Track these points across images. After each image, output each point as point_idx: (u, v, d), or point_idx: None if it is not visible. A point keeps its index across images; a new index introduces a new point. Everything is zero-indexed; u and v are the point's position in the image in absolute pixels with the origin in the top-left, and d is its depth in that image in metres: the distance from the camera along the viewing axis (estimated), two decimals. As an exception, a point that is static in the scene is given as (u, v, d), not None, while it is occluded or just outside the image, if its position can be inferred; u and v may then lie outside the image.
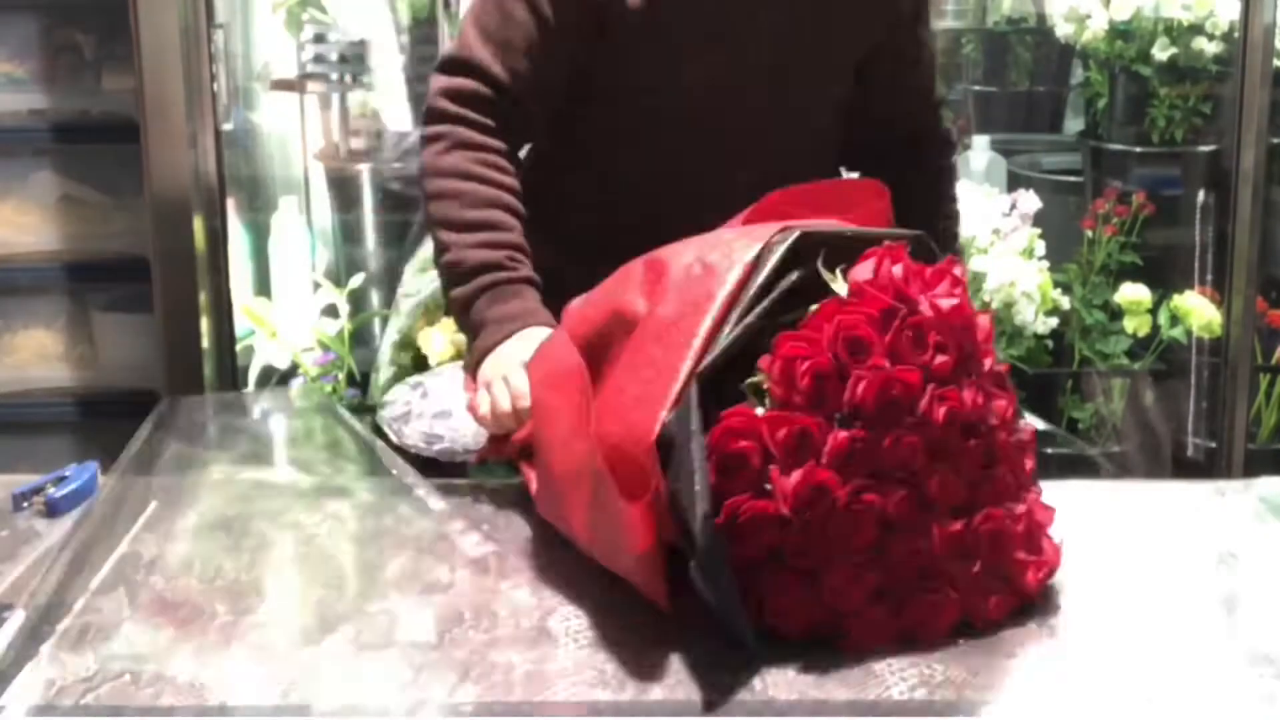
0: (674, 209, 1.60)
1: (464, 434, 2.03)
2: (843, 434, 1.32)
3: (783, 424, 1.32)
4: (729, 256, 1.40)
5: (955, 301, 1.39)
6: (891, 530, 1.34)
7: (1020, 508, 1.42)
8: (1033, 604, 1.43)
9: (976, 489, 1.39)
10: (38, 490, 1.70)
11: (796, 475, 1.31)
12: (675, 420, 1.33)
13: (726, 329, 1.37)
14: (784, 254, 1.39)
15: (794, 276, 1.39)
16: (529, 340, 1.63)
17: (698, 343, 1.36)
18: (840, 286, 1.37)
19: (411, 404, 2.26)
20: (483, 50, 1.77)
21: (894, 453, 1.33)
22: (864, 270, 1.37)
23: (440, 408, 2.19)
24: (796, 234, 1.40)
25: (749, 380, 1.36)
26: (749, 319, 1.37)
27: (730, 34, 1.78)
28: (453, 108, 1.77)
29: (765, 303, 1.38)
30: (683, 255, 1.44)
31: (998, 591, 1.38)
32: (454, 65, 1.79)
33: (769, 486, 1.31)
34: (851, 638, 1.34)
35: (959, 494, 1.37)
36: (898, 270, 1.37)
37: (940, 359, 1.36)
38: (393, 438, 2.16)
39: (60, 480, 1.72)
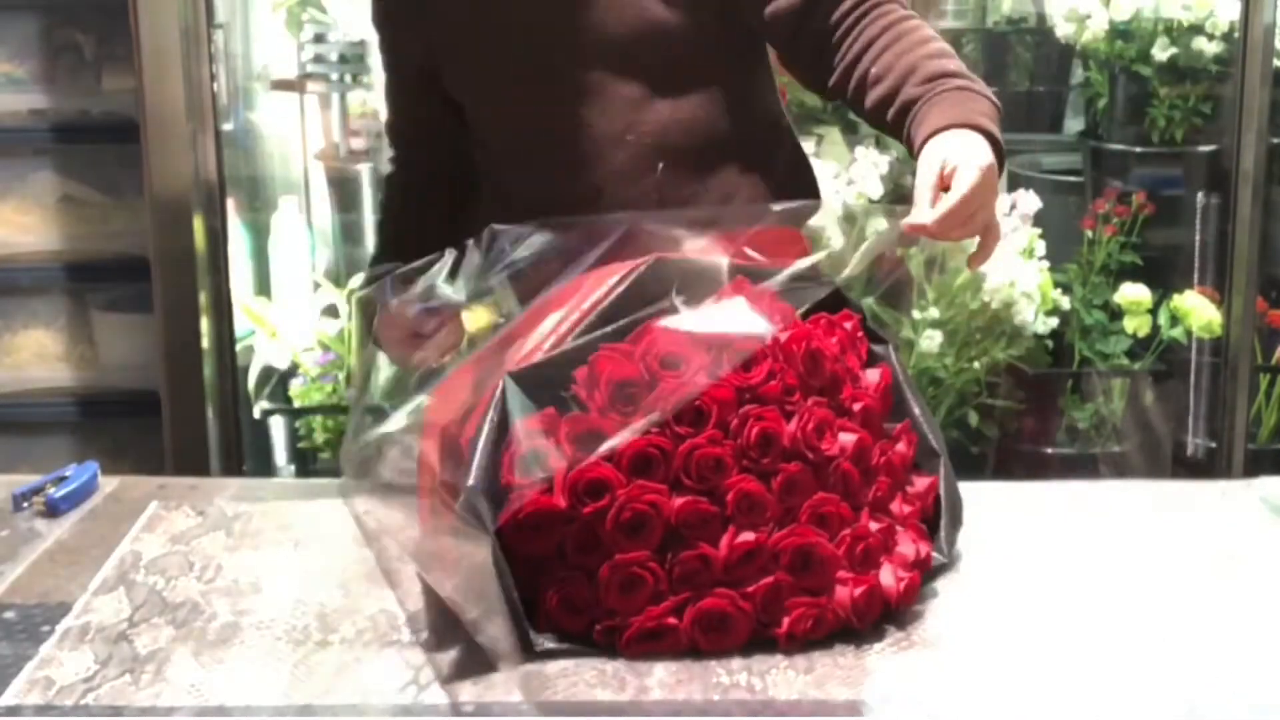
0: (569, 197, 1.75)
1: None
2: (641, 440, 1.34)
3: (580, 424, 1.35)
4: (602, 280, 1.45)
5: (789, 333, 1.43)
6: (678, 536, 1.34)
7: (851, 530, 1.40)
8: (1033, 604, 1.43)
9: (791, 508, 1.38)
10: (38, 490, 1.70)
11: (576, 470, 1.33)
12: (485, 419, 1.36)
13: (568, 340, 1.41)
14: (640, 278, 1.44)
15: (664, 304, 1.42)
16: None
17: (529, 347, 1.41)
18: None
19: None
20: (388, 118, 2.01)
21: (691, 461, 1.35)
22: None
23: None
24: (653, 258, 1.45)
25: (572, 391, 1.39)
26: (591, 335, 1.41)
27: (488, 39, 1.81)
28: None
29: (622, 322, 1.41)
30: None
31: (804, 606, 1.35)
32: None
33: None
34: (631, 640, 1.34)
35: (767, 509, 1.36)
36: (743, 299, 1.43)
37: (770, 383, 1.40)
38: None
39: (60, 480, 1.72)
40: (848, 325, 1.54)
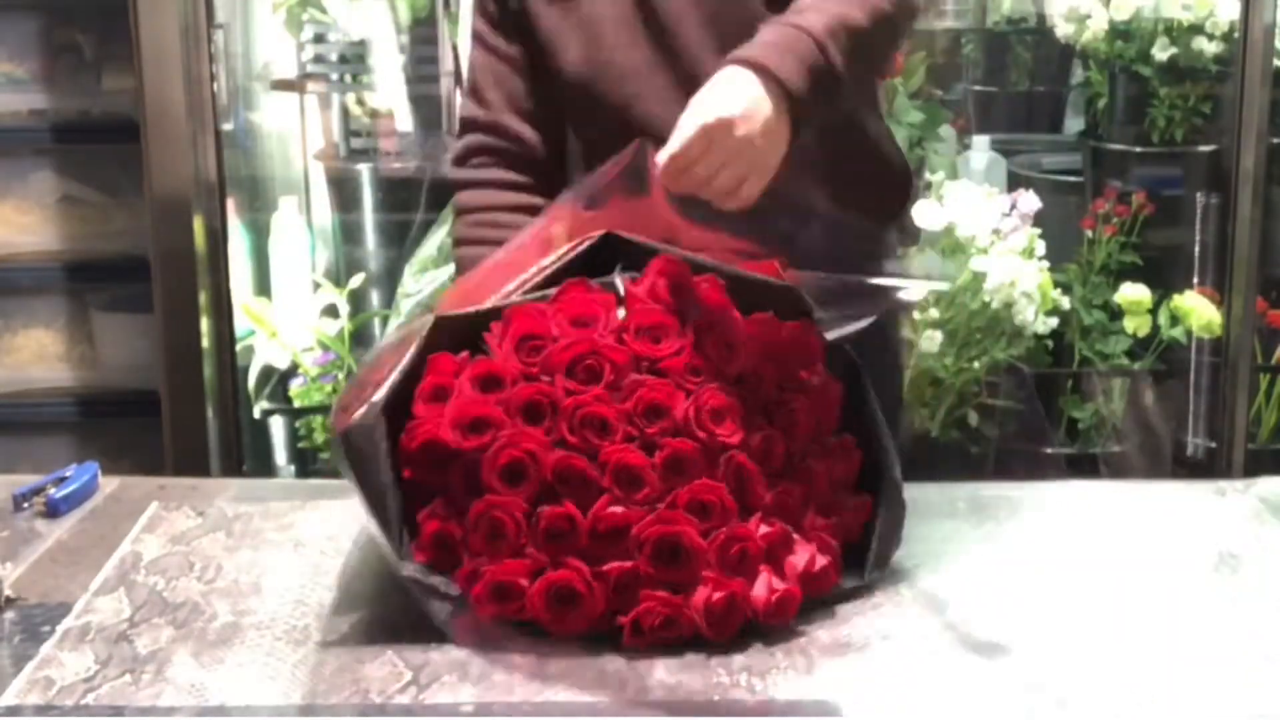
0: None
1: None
2: (532, 385, 1.35)
3: (481, 367, 1.37)
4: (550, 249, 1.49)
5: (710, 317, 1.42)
6: (552, 491, 1.32)
7: (729, 528, 1.34)
8: (1033, 604, 1.43)
9: (673, 488, 1.33)
10: (38, 490, 1.70)
11: (466, 405, 1.35)
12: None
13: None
14: (588, 249, 1.47)
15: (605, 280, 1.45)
16: None
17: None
18: None
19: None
20: (465, 104, 1.91)
21: (575, 416, 1.34)
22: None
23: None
24: (601, 234, 1.47)
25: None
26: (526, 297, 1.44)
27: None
28: (454, 172, 1.91)
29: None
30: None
31: (656, 601, 1.31)
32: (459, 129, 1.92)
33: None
34: (482, 595, 1.33)
35: (645, 485, 1.32)
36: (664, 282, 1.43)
37: (674, 359, 1.38)
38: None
39: (60, 480, 1.72)
40: (808, 332, 1.49)
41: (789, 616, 1.36)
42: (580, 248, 1.47)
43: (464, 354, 1.40)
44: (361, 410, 1.35)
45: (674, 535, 1.31)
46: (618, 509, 1.32)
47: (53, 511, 1.68)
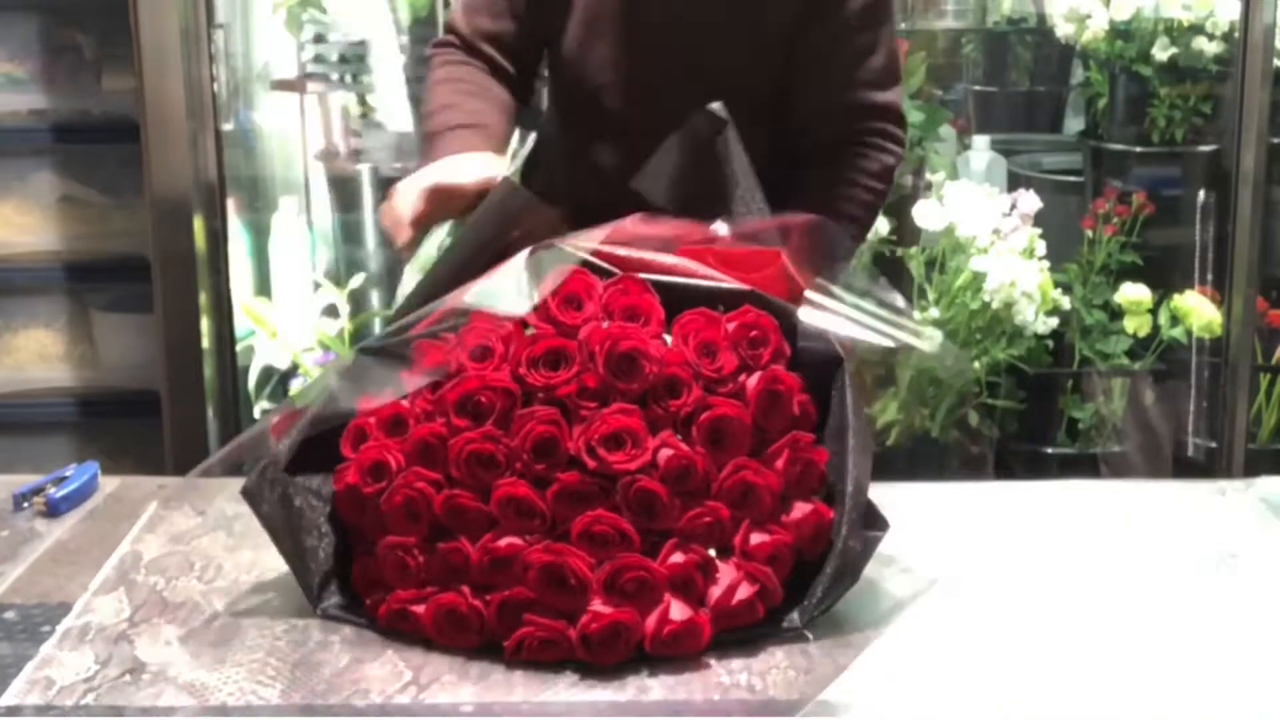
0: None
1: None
2: (425, 425, 1.37)
3: (388, 410, 1.40)
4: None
5: (594, 331, 1.37)
6: (444, 529, 1.35)
7: (617, 560, 1.31)
8: (1033, 604, 1.43)
9: (564, 520, 1.32)
10: (38, 490, 1.70)
11: (363, 452, 1.39)
12: None
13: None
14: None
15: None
16: (438, 161, 1.77)
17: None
18: None
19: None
20: (456, 15, 2.02)
21: (461, 455, 1.34)
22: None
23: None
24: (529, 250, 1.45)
25: None
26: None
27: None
28: (432, 51, 2.00)
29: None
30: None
31: (537, 625, 1.31)
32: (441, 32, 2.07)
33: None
34: (384, 617, 1.37)
35: (535, 517, 1.32)
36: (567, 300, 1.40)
37: (568, 386, 1.35)
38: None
39: (60, 480, 1.72)
40: (758, 326, 1.42)
41: (693, 647, 1.32)
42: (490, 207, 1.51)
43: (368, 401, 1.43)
44: (255, 472, 1.42)
45: (559, 565, 1.31)
46: (506, 541, 1.33)
47: (53, 511, 1.68)
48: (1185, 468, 3.33)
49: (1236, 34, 3.13)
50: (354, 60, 3.33)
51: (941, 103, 3.61)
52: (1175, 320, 3.21)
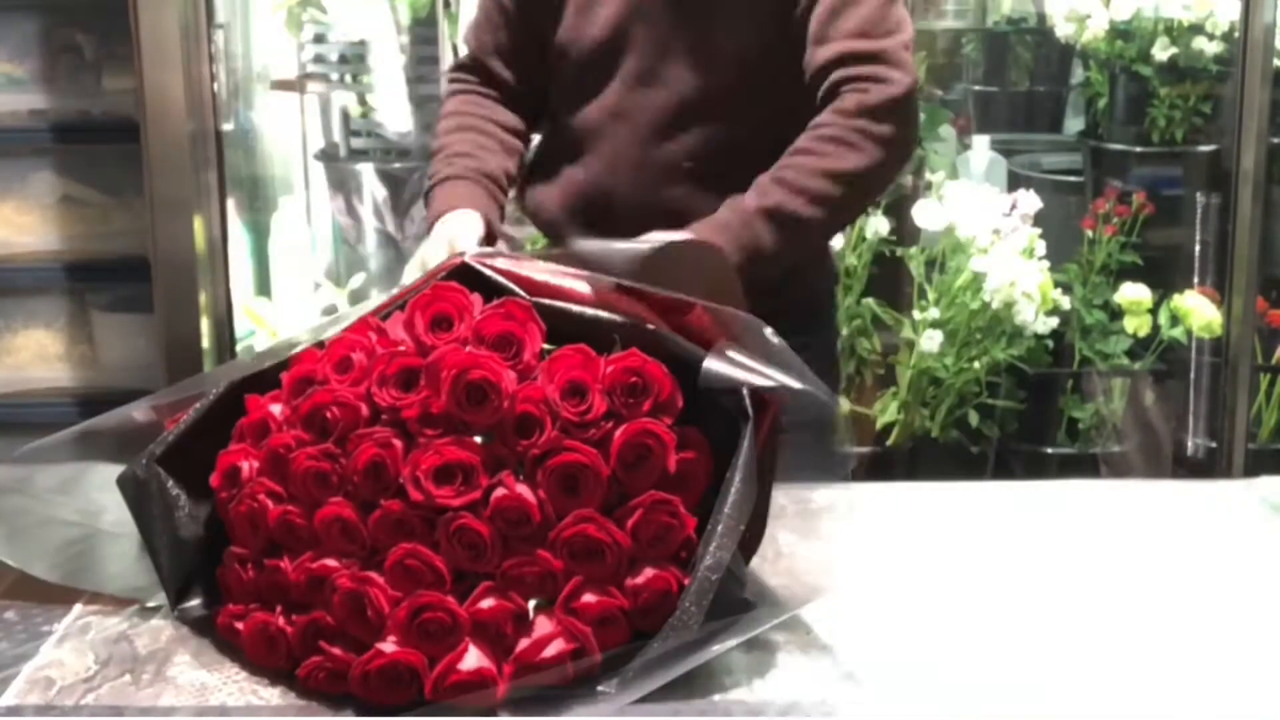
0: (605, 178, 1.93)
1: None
2: (279, 435, 1.34)
3: (255, 414, 1.38)
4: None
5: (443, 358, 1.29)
6: (274, 544, 1.33)
7: (433, 597, 1.24)
8: (1033, 604, 1.43)
9: (381, 548, 1.27)
10: None
11: (222, 454, 1.38)
12: None
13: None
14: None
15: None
16: (442, 226, 1.85)
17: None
18: None
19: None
20: (466, 35, 2.10)
21: (297, 471, 1.31)
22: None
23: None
24: (459, 260, 1.41)
25: None
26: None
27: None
28: (450, 77, 2.10)
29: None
30: None
31: (326, 655, 1.27)
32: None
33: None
34: (220, 627, 1.36)
35: (356, 540, 1.28)
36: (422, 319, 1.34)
37: (411, 411, 1.28)
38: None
39: None
40: (640, 373, 1.29)
41: (482, 700, 1.22)
42: (436, 276, 1.40)
43: (273, 393, 1.40)
44: (135, 460, 1.43)
45: (360, 594, 1.26)
46: (323, 562, 1.29)
47: None
48: (1185, 468, 3.33)
49: (1236, 34, 3.13)
50: (354, 60, 3.34)
51: (941, 103, 3.62)
52: (1175, 320, 3.21)
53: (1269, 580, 1.50)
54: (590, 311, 1.34)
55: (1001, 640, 1.37)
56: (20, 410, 3.35)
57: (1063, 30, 3.47)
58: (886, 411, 3.23)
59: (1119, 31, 3.37)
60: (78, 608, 1.44)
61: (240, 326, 3.08)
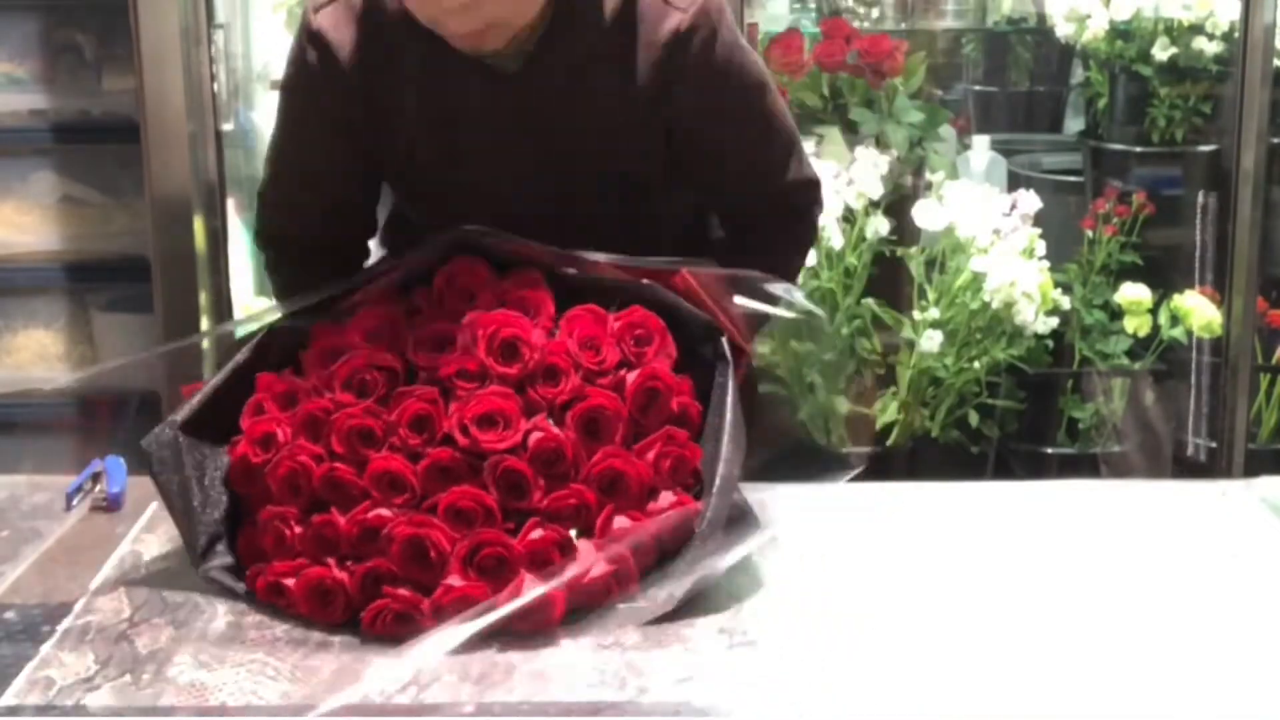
0: None
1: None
2: (314, 400, 1.42)
3: (282, 384, 1.47)
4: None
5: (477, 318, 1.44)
6: (322, 501, 1.40)
7: (476, 534, 1.36)
8: (1033, 604, 1.43)
9: (432, 494, 1.37)
10: (80, 489, 1.71)
11: (252, 423, 1.46)
12: None
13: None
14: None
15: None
16: None
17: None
18: None
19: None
20: (268, 225, 1.86)
21: (343, 429, 1.40)
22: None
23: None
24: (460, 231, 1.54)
25: None
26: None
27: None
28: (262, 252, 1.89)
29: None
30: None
31: (394, 598, 1.35)
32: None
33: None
34: (261, 589, 1.41)
35: (407, 490, 1.37)
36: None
37: (449, 368, 1.41)
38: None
39: (97, 476, 1.74)
40: (644, 326, 1.49)
41: (545, 623, 1.35)
42: (437, 246, 1.53)
43: (289, 369, 1.50)
44: (160, 427, 1.48)
45: (421, 538, 1.35)
46: (376, 513, 1.37)
47: (113, 505, 1.70)
48: (1185, 468, 3.33)
49: (1236, 34, 3.13)
50: (354, 60, 3.33)
51: (941, 103, 3.62)
52: (1175, 320, 3.21)
53: (1269, 580, 1.50)
54: (591, 276, 1.52)
55: (1001, 640, 1.37)
56: (20, 410, 3.35)
57: (1063, 30, 3.46)
58: (886, 411, 3.23)
59: (1119, 31, 3.37)
60: (78, 607, 1.44)
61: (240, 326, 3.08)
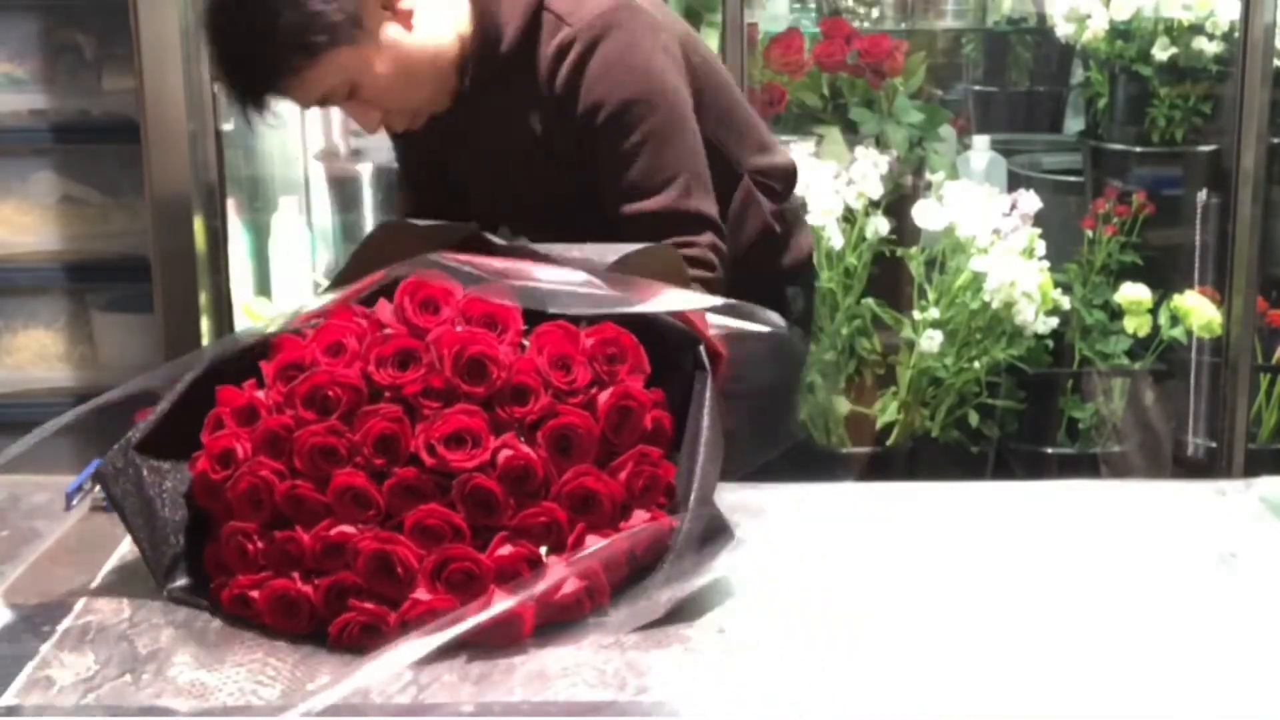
0: None
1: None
2: (275, 417, 1.40)
3: (242, 399, 1.44)
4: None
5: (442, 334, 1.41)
6: (284, 517, 1.38)
7: (458, 549, 1.34)
8: (1033, 604, 1.43)
9: (397, 513, 1.36)
10: (80, 488, 1.71)
11: (210, 440, 1.44)
12: None
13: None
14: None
15: None
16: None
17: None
18: None
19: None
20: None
21: (304, 447, 1.38)
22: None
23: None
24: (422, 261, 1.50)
25: None
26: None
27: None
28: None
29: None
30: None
31: (359, 611, 1.34)
32: None
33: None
34: (227, 602, 1.40)
35: (371, 508, 1.36)
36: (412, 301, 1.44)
37: (411, 386, 1.38)
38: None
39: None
40: (616, 343, 1.45)
41: (513, 638, 1.34)
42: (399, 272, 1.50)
43: (250, 381, 1.47)
44: (113, 450, 1.49)
45: (387, 553, 1.34)
46: (340, 529, 1.36)
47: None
48: (1185, 468, 3.33)
49: (1236, 34, 3.13)
50: (354, 60, 3.32)
51: (941, 103, 3.62)
52: (1175, 320, 3.21)
53: (1269, 580, 1.50)
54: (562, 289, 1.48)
55: (1001, 640, 1.37)
56: (20, 410, 3.35)
57: (1063, 30, 3.46)
58: (886, 411, 3.23)
59: (1119, 31, 3.37)
60: (78, 607, 1.44)
61: (240, 326, 3.08)
